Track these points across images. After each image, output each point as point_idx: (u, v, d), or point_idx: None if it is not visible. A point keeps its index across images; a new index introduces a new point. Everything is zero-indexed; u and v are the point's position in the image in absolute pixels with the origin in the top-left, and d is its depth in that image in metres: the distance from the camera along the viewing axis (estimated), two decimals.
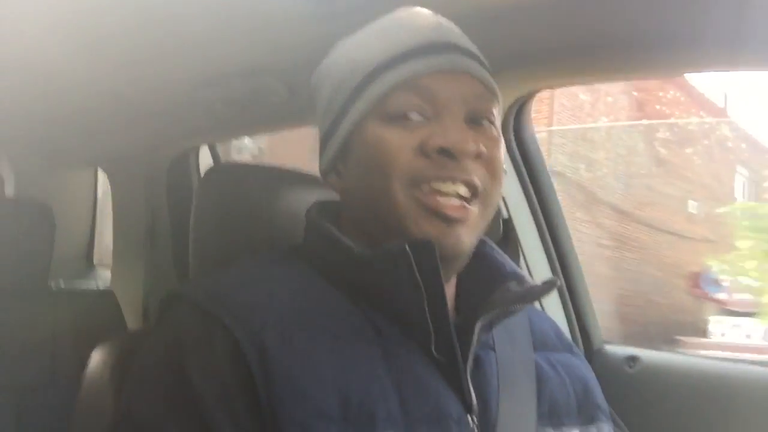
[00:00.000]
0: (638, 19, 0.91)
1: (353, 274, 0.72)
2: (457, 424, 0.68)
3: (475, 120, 0.72)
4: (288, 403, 0.62)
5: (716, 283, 7.78)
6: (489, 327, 0.75)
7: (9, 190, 2.10)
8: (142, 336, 0.91)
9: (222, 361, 0.64)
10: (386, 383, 0.66)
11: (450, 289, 0.77)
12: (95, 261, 2.31)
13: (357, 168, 0.74)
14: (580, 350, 1.04)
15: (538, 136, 1.29)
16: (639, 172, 9.05)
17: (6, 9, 1.05)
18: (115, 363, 0.90)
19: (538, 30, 0.98)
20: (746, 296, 7.20)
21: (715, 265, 7.80)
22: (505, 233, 1.15)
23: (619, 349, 1.26)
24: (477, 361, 0.73)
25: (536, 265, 1.26)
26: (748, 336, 7.06)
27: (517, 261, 0.97)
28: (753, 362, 1.17)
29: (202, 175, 1.78)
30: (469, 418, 0.69)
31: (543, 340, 0.85)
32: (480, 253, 0.81)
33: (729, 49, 0.92)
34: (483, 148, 0.70)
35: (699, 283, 8.11)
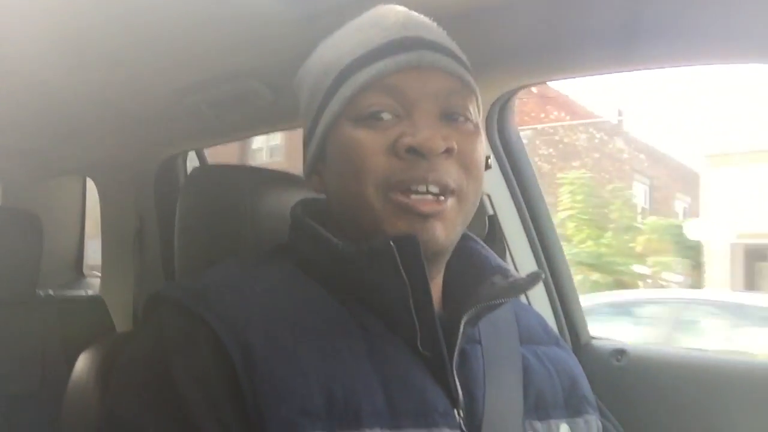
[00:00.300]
0: (620, 13, 0.92)
1: (338, 271, 0.72)
2: (443, 418, 0.68)
3: (450, 116, 0.72)
4: (273, 400, 0.62)
5: None
6: (475, 321, 0.76)
7: None
8: (126, 338, 0.91)
9: (206, 360, 0.64)
10: (372, 379, 0.66)
11: (435, 285, 0.77)
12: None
13: (333, 169, 0.74)
14: (567, 344, 1.04)
15: None
16: None
17: None
18: (100, 366, 0.90)
19: (521, 26, 0.98)
20: None
21: None
22: (490, 229, 1.16)
23: (606, 343, 1.27)
24: (463, 355, 0.74)
25: (522, 261, 1.26)
26: None
27: (503, 257, 0.98)
28: (737, 355, 1.18)
29: None
30: (456, 412, 0.69)
31: (529, 334, 0.85)
32: (465, 248, 0.81)
33: (709, 41, 0.93)
34: (454, 145, 0.70)
35: None
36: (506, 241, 1.24)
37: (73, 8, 1.03)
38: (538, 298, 1.26)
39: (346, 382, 0.65)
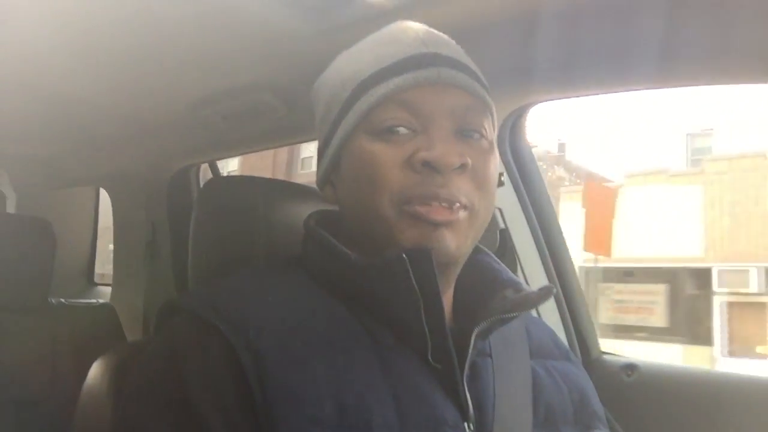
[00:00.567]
0: (633, 33, 0.93)
1: (350, 282, 0.72)
2: (453, 431, 0.68)
3: (465, 132, 0.73)
4: (284, 409, 0.62)
5: None
6: (486, 334, 0.75)
7: (10, 208, 2.12)
8: (140, 347, 0.91)
9: (218, 369, 0.64)
10: (382, 390, 0.66)
11: (447, 297, 0.77)
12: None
13: (347, 180, 0.75)
14: (577, 359, 1.04)
15: None
16: None
17: (7, 28, 1.06)
18: (113, 374, 0.90)
19: (534, 44, 0.99)
20: None
21: None
22: (501, 243, 1.16)
23: (616, 358, 1.26)
24: (474, 368, 0.74)
25: (533, 275, 1.26)
26: None
27: (514, 271, 0.98)
28: (746, 374, 1.18)
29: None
30: (466, 426, 0.69)
31: (540, 348, 0.85)
32: (476, 261, 0.81)
33: (714, 62, 0.93)
34: (468, 161, 0.70)
35: None
36: (517, 255, 1.24)
37: (90, 21, 1.04)
38: (548, 312, 1.26)
39: (357, 392, 0.65)
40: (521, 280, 0.83)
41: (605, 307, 10.96)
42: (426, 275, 0.68)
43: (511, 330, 0.81)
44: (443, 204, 0.69)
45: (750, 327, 10.05)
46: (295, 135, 1.51)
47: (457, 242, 0.71)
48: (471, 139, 0.73)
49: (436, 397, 0.69)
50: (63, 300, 1.75)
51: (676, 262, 10.57)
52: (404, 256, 0.68)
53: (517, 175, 1.27)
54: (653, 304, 10.96)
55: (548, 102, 1.18)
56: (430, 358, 0.70)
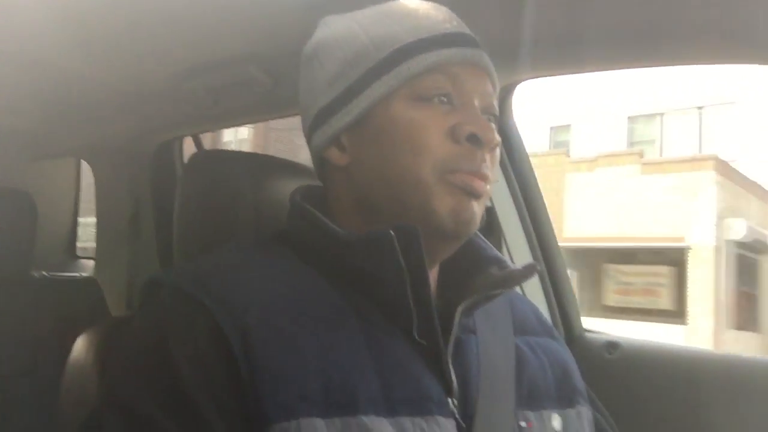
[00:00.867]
0: (621, 10, 0.93)
1: (337, 258, 0.72)
2: (437, 407, 0.68)
3: (485, 114, 0.75)
4: (271, 385, 0.62)
5: None
6: (470, 311, 0.76)
7: None
8: (125, 322, 0.91)
9: (205, 345, 0.64)
10: (368, 367, 0.67)
11: (433, 274, 0.77)
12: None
13: (375, 144, 0.73)
14: (561, 336, 1.05)
15: None
16: None
17: None
18: (98, 349, 0.90)
19: (521, 20, 0.98)
20: None
21: None
22: (487, 221, 1.16)
23: (599, 336, 1.28)
24: (458, 344, 0.74)
25: (518, 253, 1.27)
26: None
27: (499, 248, 0.99)
28: (724, 352, 1.21)
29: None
30: (450, 401, 0.70)
31: (523, 325, 0.86)
32: None
33: (714, 41, 0.93)
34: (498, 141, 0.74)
35: None
36: (503, 233, 1.25)
37: None
38: (532, 289, 1.27)
39: (343, 369, 0.65)
40: (506, 257, 0.84)
41: None
42: (413, 252, 0.68)
43: (496, 306, 0.81)
44: (481, 178, 0.72)
45: None
46: (280, 108, 1.49)
47: (480, 216, 0.74)
48: (489, 122, 0.76)
49: (421, 374, 0.69)
50: (45, 273, 1.74)
51: None
52: (391, 232, 0.68)
53: (504, 153, 1.27)
54: None
55: (536, 79, 1.18)
56: (415, 334, 0.70)
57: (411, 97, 0.72)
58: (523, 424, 0.76)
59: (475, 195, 0.72)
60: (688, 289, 10.79)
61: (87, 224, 2.27)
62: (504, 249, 1.25)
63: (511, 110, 1.27)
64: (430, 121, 0.72)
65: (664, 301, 11.32)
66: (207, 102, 1.42)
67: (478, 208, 0.73)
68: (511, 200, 1.29)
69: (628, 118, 13.10)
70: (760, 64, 1.01)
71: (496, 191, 1.26)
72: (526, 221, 1.30)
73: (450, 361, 0.72)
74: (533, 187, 1.30)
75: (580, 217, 11.35)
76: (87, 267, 2.23)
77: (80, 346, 0.92)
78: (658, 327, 9.94)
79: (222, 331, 0.64)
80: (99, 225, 2.00)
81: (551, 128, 13.98)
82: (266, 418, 0.62)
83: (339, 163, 0.76)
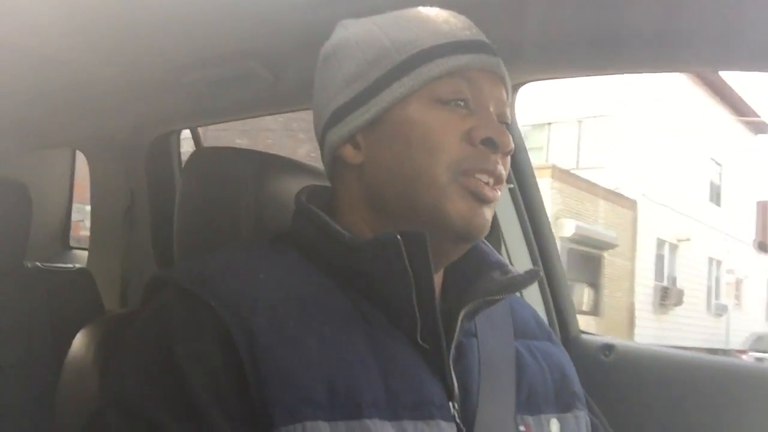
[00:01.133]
0: (627, 14, 0.93)
1: (342, 261, 0.72)
2: (439, 411, 0.68)
3: (499, 121, 0.76)
4: (277, 387, 0.62)
5: None
6: (472, 315, 0.76)
7: None
8: (125, 319, 0.90)
9: (210, 346, 0.64)
10: (372, 371, 0.67)
11: (437, 279, 0.77)
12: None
13: (391, 144, 0.74)
14: (557, 338, 1.05)
15: None
16: None
17: None
18: (98, 346, 0.89)
19: (524, 23, 0.98)
20: None
21: None
22: None
23: (595, 338, 1.28)
24: (459, 348, 0.74)
25: (517, 256, 1.27)
26: None
27: (499, 251, 0.99)
28: (721, 357, 1.22)
29: (183, 157, 1.77)
30: (451, 405, 0.70)
31: (524, 328, 0.86)
32: None
33: (719, 48, 0.94)
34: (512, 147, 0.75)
35: None
36: (502, 236, 1.25)
37: None
38: (530, 291, 1.27)
39: (348, 373, 0.65)
40: (507, 261, 0.84)
41: None
42: (420, 257, 0.68)
43: (497, 311, 0.81)
44: (493, 183, 0.73)
45: None
46: (280, 104, 1.49)
47: (490, 221, 0.75)
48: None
49: (423, 378, 0.69)
50: (39, 264, 1.72)
51: None
52: (398, 237, 0.68)
53: None
54: None
55: (539, 82, 1.18)
56: (419, 338, 0.70)
57: (429, 99, 0.73)
58: (522, 428, 0.76)
59: (487, 201, 0.73)
60: None
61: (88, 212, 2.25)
62: (503, 250, 1.25)
63: (513, 113, 1.27)
64: (447, 123, 0.72)
65: None
66: (206, 96, 1.41)
67: (489, 214, 0.74)
68: (511, 204, 1.29)
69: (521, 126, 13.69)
70: (761, 71, 1.01)
71: None
72: (525, 223, 1.30)
73: (452, 365, 0.72)
74: (532, 189, 1.30)
75: None
76: (80, 258, 2.22)
77: (79, 343, 0.90)
78: None
79: (228, 332, 0.64)
80: (93, 216, 1.99)
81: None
82: (271, 421, 0.61)
83: (353, 162, 0.76)
